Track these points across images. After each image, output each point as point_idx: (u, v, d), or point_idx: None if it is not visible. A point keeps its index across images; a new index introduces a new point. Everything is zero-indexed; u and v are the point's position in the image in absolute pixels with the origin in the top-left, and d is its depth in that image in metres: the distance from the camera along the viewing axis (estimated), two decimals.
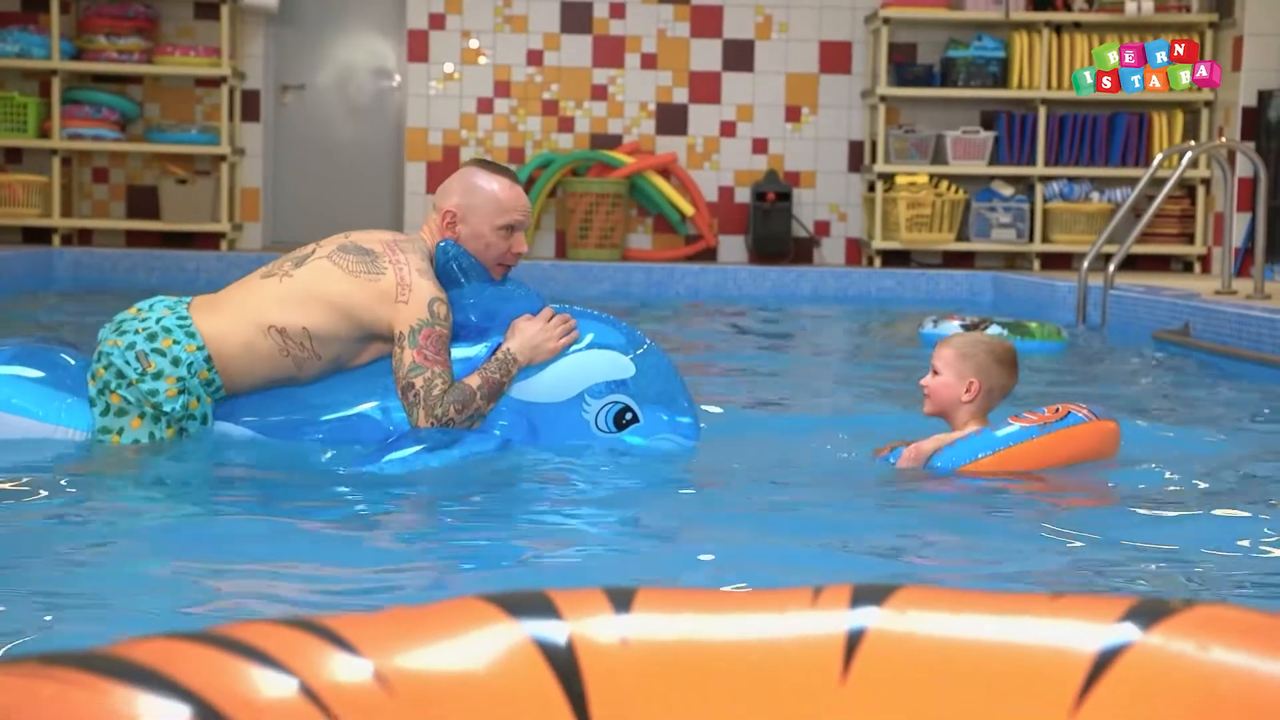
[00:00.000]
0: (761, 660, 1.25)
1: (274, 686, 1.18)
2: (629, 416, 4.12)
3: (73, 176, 11.81)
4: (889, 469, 4.04)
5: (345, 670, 1.20)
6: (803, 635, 1.26)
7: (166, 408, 3.98)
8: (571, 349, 4.13)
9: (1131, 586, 2.95)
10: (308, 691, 1.18)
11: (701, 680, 1.26)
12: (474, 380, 4.03)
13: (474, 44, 12.01)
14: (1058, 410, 3.98)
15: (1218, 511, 3.75)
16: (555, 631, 1.26)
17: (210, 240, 11.77)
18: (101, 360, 4.03)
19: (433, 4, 11.96)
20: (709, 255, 12.12)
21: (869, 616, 1.26)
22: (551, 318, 4.14)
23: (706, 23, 12.05)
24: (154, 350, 3.99)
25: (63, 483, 3.69)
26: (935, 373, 4.05)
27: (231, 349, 4.02)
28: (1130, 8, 11.51)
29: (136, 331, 4.03)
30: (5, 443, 3.96)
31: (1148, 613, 1.25)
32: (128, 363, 3.99)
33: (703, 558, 3.10)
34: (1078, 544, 3.34)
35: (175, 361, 3.99)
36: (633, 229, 12.15)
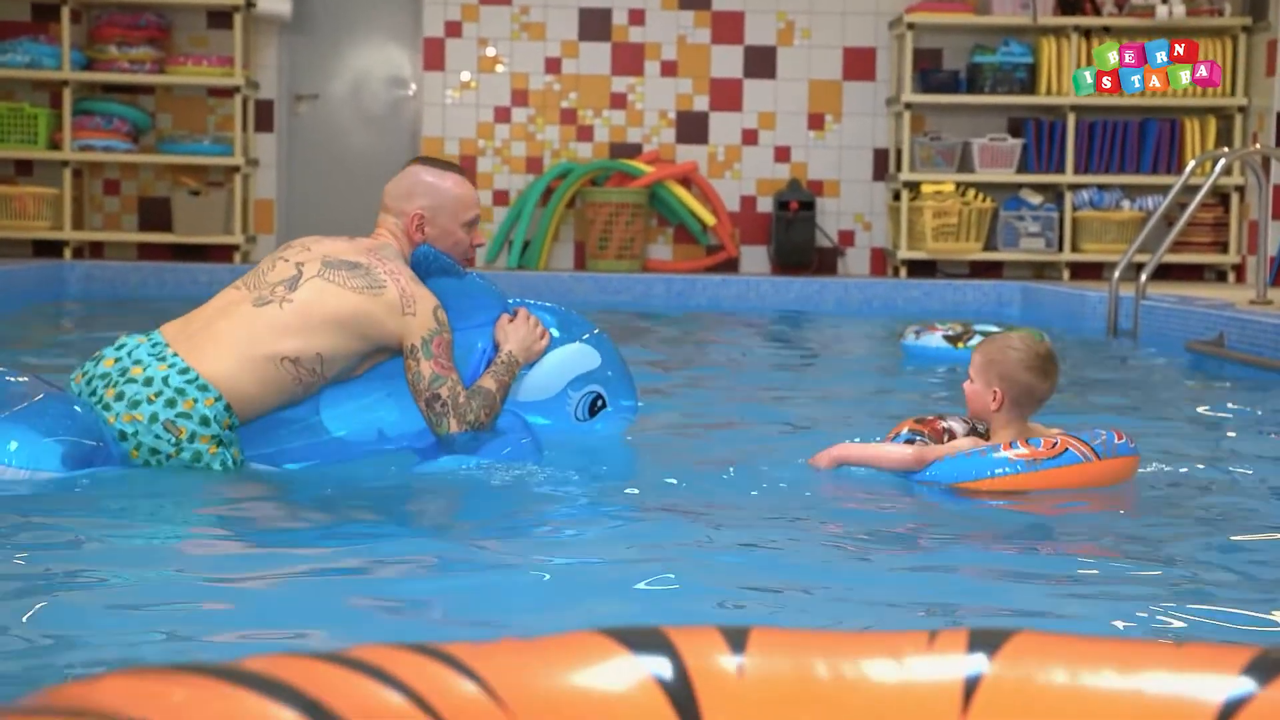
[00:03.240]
0: (880, 705, 1.25)
1: (396, 702, 1.20)
2: (600, 404, 4.42)
3: (84, 188, 11.64)
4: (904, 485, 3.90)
5: (464, 691, 1.22)
6: (921, 680, 1.26)
7: (215, 465, 3.90)
8: (550, 347, 4.39)
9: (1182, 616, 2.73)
10: (427, 709, 1.20)
11: None
12: (490, 384, 4.16)
13: (491, 52, 11.81)
14: (1055, 445, 3.83)
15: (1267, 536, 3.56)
16: (674, 669, 1.27)
17: (223, 252, 11.60)
18: (129, 441, 3.88)
19: (449, 11, 11.78)
20: (730, 266, 11.89)
21: (986, 663, 1.27)
22: (528, 319, 4.33)
23: (728, 29, 11.83)
24: (179, 415, 3.88)
25: (124, 517, 3.55)
26: (971, 379, 3.99)
27: (246, 389, 3.95)
28: (1161, 11, 11.28)
29: (150, 400, 3.88)
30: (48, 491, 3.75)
31: (1271, 665, 1.23)
32: (158, 437, 3.88)
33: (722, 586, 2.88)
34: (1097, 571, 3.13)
35: (204, 421, 3.89)
36: (653, 239, 11.94)
